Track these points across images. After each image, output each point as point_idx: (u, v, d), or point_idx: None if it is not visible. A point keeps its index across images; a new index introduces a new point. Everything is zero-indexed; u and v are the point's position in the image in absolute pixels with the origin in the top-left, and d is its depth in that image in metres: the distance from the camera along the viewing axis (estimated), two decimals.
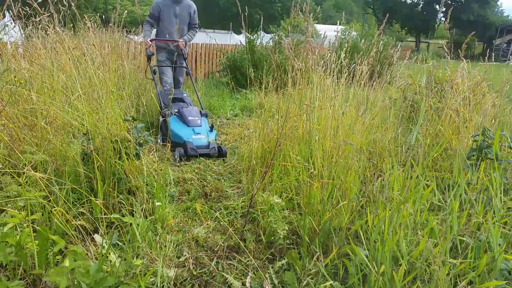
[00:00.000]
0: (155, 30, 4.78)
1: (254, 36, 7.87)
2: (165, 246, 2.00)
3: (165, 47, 4.56)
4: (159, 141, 3.95)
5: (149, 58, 4.38)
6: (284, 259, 1.93)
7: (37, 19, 2.81)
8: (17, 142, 2.30)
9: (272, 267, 1.89)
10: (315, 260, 1.77)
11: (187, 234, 2.18)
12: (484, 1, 29.10)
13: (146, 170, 2.43)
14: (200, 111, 4.01)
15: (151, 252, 1.92)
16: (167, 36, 4.47)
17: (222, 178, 3.06)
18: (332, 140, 2.42)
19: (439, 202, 2.11)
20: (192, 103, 4.32)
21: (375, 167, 2.77)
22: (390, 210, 1.70)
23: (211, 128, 3.81)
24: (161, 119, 3.95)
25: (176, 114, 3.92)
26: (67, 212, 1.94)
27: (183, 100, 4.32)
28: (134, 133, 2.45)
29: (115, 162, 2.31)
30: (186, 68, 4.66)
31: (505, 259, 1.70)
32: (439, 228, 1.72)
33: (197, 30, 4.71)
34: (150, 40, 4.39)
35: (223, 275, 1.84)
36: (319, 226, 2.03)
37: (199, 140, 3.59)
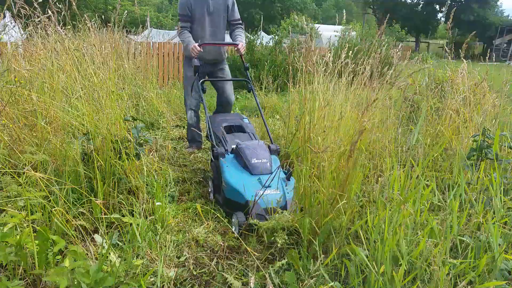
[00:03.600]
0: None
1: (254, 37, 7.88)
2: (165, 246, 2.00)
3: (203, 57, 3.39)
4: (210, 194, 2.69)
5: (196, 70, 3.14)
6: (284, 259, 1.93)
7: (37, 19, 2.81)
8: (17, 142, 2.31)
9: (272, 267, 1.89)
10: (319, 261, 1.77)
11: (187, 234, 2.18)
12: (484, 1, 29.09)
13: (146, 170, 2.43)
14: (269, 146, 2.68)
15: (151, 252, 1.92)
16: (199, 41, 3.26)
17: None
18: (332, 140, 2.43)
19: (439, 202, 2.12)
20: (255, 134, 2.95)
21: (375, 167, 2.77)
22: (390, 210, 1.70)
23: (288, 175, 2.40)
24: (211, 160, 2.73)
25: (233, 152, 2.61)
26: (67, 212, 1.95)
27: (242, 129, 2.97)
28: (134, 133, 2.45)
29: (115, 162, 2.31)
30: (248, 81, 3.23)
31: (505, 259, 1.70)
32: (439, 228, 1.73)
33: (242, 27, 3.54)
34: (198, 45, 3.16)
35: (223, 275, 1.84)
36: (319, 226, 2.03)
37: (271, 198, 2.20)
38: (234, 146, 2.64)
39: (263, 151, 2.51)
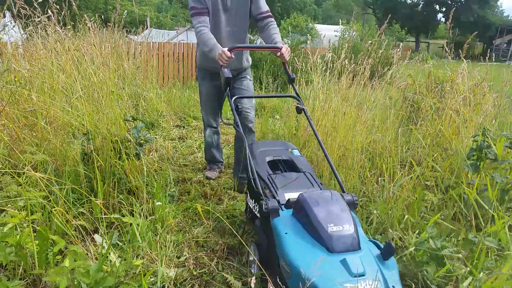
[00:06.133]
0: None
1: (254, 37, 7.89)
2: (165, 246, 2.00)
3: (214, 68, 2.51)
4: (251, 267, 1.86)
5: (228, 83, 2.16)
6: None
7: (37, 19, 2.81)
8: (17, 142, 2.31)
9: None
10: None
11: (187, 234, 2.18)
12: (484, 2, 29.10)
13: (146, 170, 2.43)
14: (341, 196, 1.67)
15: (151, 252, 1.92)
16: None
17: (223, 178, 3.06)
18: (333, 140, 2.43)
19: (439, 202, 2.11)
20: (314, 174, 2.02)
21: (375, 167, 2.77)
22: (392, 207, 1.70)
23: (388, 251, 1.43)
24: (250, 213, 2.04)
25: (290, 207, 1.70)
26: (67, 212, 1.94)
27: (294, 167, 2.11)
28: (134, 133, 2.45)
29: (115, 162, 2.31)
30: (297, 98, 2.28)
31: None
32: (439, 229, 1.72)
33: (275, 22, 2.59)
34: (229, 50, 2.21)
35: (223, 275, 1.84)
36: None
37: None
38: (288, 196, 1.78)
39: (342, 210, 1.55)
